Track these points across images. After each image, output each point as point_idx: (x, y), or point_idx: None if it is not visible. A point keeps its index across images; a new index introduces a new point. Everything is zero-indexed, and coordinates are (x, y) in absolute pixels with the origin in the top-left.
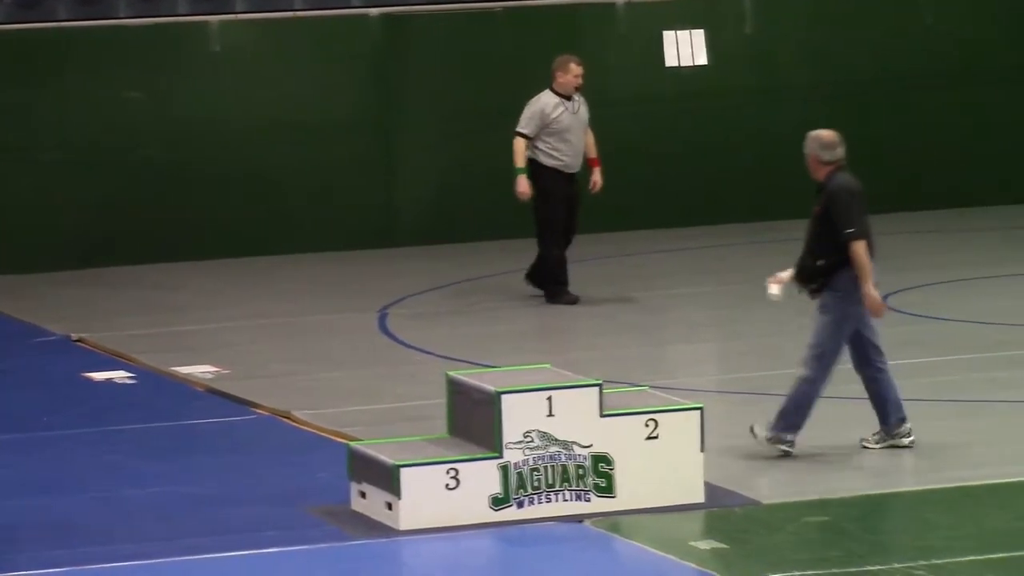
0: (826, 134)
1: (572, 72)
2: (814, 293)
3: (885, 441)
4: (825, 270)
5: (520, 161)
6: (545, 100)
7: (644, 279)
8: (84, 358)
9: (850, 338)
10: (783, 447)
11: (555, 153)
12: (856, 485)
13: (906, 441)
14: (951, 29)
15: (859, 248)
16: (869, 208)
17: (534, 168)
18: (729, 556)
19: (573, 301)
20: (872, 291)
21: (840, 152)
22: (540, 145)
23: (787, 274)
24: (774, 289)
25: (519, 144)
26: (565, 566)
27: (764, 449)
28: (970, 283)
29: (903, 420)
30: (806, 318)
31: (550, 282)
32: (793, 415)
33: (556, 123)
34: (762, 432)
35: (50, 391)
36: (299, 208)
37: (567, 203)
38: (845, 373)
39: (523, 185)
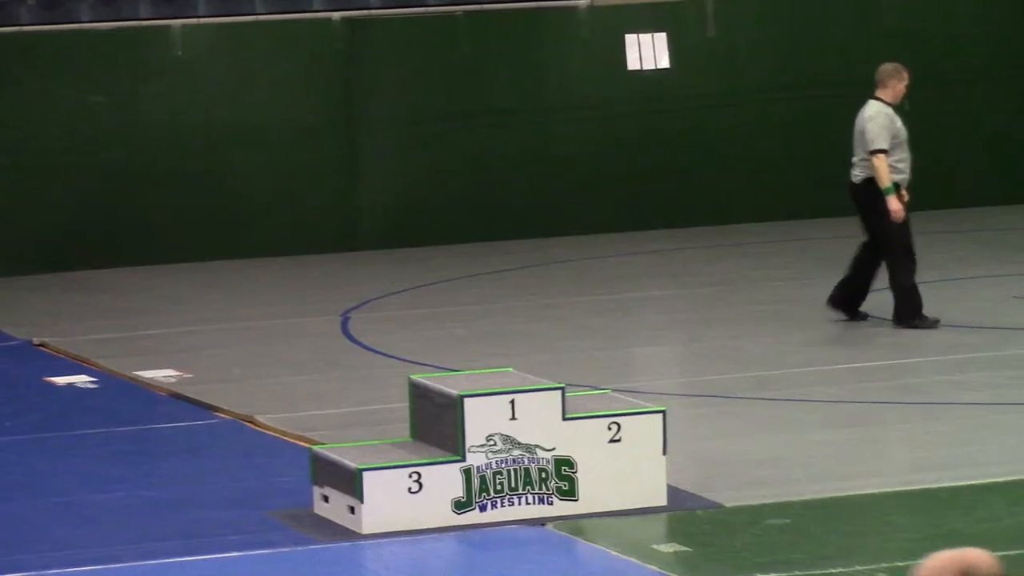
0: None
1: (906, 80)
2: None
3: None
4: None
5: (887, 179)
6: (886, 111)
7: (606, 282)
8: (46, 362)
9: None
10: None
11: (899, 166)
12: (818, 488)
13: None
14: (912, 31)
15: None
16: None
17: (872, 187)
18: (692, 559)
19: (934, 324)
20: None
21: None
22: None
23: None
24: None
25: (882, 162)
26: (527, 569)
27: (726, 453)
28: (930, 286)
29: None
30: (771, 322)
31: (910, 312)
32: None
33: (900, 133)
34: None
35: (12, 396)
36: (261, 211)
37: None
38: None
39: (896, 203)
